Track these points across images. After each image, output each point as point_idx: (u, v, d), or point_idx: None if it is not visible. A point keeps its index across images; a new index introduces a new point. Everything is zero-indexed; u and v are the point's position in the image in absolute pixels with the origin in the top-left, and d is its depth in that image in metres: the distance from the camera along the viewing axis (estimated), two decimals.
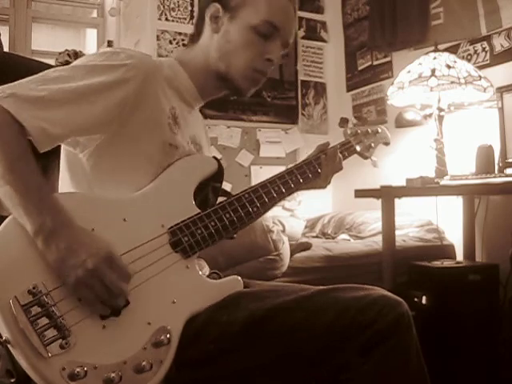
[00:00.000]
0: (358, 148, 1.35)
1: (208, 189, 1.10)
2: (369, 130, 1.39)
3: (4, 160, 0.87)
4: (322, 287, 1.03)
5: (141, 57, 1.05)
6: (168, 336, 0.92)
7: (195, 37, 1.17)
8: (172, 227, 0.99)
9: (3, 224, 0.89)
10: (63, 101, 0.95)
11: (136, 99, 1.00)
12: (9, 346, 0.82)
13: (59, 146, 1.06)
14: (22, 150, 0.90)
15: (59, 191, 1.09)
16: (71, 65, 1.01)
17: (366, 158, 1.39)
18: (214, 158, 1.12)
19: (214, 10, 1.12)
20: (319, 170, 1.22)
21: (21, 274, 0.85)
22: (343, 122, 1.39)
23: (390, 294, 1.00)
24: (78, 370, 0.83)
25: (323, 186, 1.26)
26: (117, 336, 0.89)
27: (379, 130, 1.41)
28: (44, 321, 0.83)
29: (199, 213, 1.02)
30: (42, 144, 0.94)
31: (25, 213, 0.86)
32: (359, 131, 1.37)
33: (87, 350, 0.86)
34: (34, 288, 0.84)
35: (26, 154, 0.90)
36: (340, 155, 1.27)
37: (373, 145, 1.38)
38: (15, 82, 0.94)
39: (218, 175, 1.11)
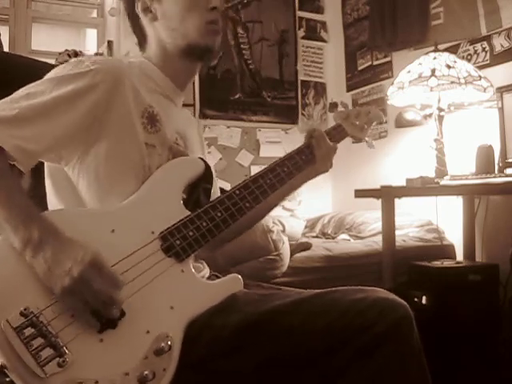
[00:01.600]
0: (349, 130, 1.33)
1: (199, 191, 1.09)
2: (360, 111, 1.37)
3: None
4: (319, 290, 1.02)
5: (107, 61, 1.06)
6: (169, 343, 0.90)
7: (142, 38, 1.18)
8: (162, 232, 0.98)
9: None
10: (35, 116, 0.95)
11: (107, 103, 1.00)
12: (6, 371, 0.81)
13: (40, 165, 1.06)
14: (2, 167, 0.90)
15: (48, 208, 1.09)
16: (40, 80, 1.01)
17: (359, 139, 1.37)
18: (200, 158, 1.11)
19: (141, 3, 1.13)
20: (314, 154, 1.21)
21: (11, 296, 0.84)
22: (332, 106, 1.38)
23: (391, 295, 0.98)
24: None
25: (325, 170, 1.26)
26: (116, 348, 0.88)
27: (370, 111, 1.39)
28: (39, 341, 0.82)
29: (189, 215, 1.01)
30: (23, 162, 0.95)
31: (11, 228, 0.86)
32: (350, 114, 1.35)
33: (86, 365, 0.84)
34: (25, 309, 0.83)
35: (5, 171, 0.91)
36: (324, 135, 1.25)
37: (366, 126, 1.36)
38: None
39: (207, 176, 1.10)
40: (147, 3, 1.13)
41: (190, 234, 0.99)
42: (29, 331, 0.82)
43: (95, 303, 0.86)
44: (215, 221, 1.02)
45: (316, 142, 1.23)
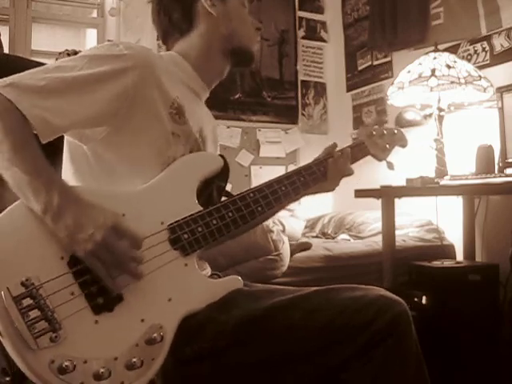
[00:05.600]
0: (371, 150, 1.32)
1: (212, 187, 1.09)
2: (384, 131, 1.36)
3: (10, 143, 0.87)
4: (319, 287, 1.02)
5: (140, 48, 1.06)
6: (161, 334, 0.91)
7: (187, 27, 1.17)
8: (172, 224, 0.98)
9: (5, 211, 0.88)
10: (63, 90, 0.94)
11: (136, 89, 1.00)
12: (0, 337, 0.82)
13: (60, 142, 1.06)
14: (27, 134, 0.90)
15: None
16: (72, 56, 1.02)
17: (380, 159, 1.35)
18: (221, 156, 1.12)
19: None
20: (325, 173, 1.21)
21: (15, 265, 0.85)
22: (358, 123, 1.37)
23: (388, 293, 1.00)
24: (66, 363, 0.83)
25: (331, 189, 1.25)
26: (109, 331, 0.88)
27: (396, 132, 1.38)
28: (35, 313, 0.83)
29: (200, 211, 1.01)
30: (44, 134, 0.93)
31: (33, 192, 0.86)
32: (374, 132, 1.34)
33: (78, 344, 0.85)
34: (26, 280, 0.84)
35: (30, 138, 0.90)
36: (350, 157, 1.25)
37: (388, 146, 1.35)
38: (16, 74, 0.94)
39: (224, 174, 1.10)
40: None
41: (199, 229, 1.00)
42: (27, 302, 0.83)
43: (118, 263, 0.88)
44: (225, 220, 1.03)
45: (333, 161, 1.22)
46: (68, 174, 1.07)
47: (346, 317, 0.95)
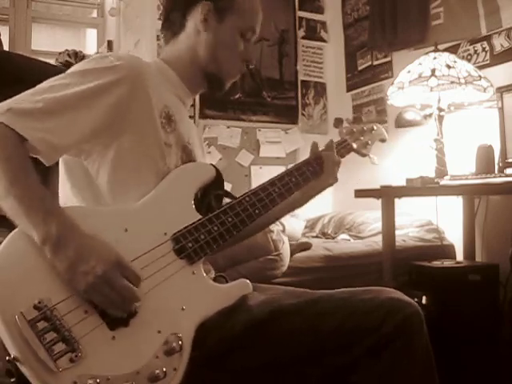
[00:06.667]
0: (354, 146, 1.35)
1: (210, 197, 1.10)
2: (364, 127, 1.40)
3: (7, 172, 0.87)
4: (328, 291, 1.03)
5: (130, 58, 1.06)
6: (180, 343, 0.91)
7: (178, 29, 1.17)
8: (175, 234, 0.99)
9: (8, 237, 0.88)
10: (61, 110, 0.95)
11: (130, 99, 1.00)
12: (18, 363, 0.81)
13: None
14: (23, 161, 0.90)
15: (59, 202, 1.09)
16: (63, 74, 1.01)
17: (363, 155, 1.39)
18: (212, 165, 1.13)
19: (206, 9, 1.13)
20: (323, 166, 1.22)
21: (26, 288, 0.85)
22: (338, 122, 1.40)
23: (400, 294, 1.00)
24: (90, 382, 0.83)
25: (331, 183, 1.26)
26: (127, 346, 0.88)
27: (375, 128, 1.42)
28: (52, 335, 0.82)
29: (201, 219, 1.02)
30: (47, 155, 0.94)
31: (30, 223, 0.86)
32: (354, 129, 1.38)
33: (98, 361, 0.85)
34: (39, 302, 0.83)
35: (27, 165, 0.90)
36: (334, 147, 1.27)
37: (369, 142, 1.39)
38: (10, 99, 0.93)
39: (218, 182, 1.12)
40: (208, 13, 1.13)
41: (202, 237, 1.00)
42: (42, 324, 0.82)
43: (117, 300, 0.87)
44: (226, 225, 1.03)
45: (327, 154, 1.24)
46: (65, 188, 1.07)
47: (356, 320, 0.95)
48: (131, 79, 1.01)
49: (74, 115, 0.96)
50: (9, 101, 0.93)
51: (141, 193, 1.02)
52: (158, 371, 0.87)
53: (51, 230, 0.86)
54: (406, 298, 1.00)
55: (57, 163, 1.08)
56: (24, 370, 0.82)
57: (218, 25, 1.14)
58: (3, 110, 0.90)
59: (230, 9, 1.14)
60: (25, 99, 0.93)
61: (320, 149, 1.27)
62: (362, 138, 1.38)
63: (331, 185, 1.26)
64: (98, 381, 0.83)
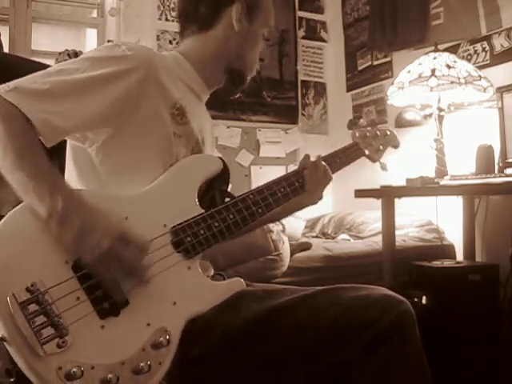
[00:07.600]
0: (366, 152, 1.35)
1: (214, 191, 1.09)
2: (377, 132, 1.38)
3: (14, 147, 0.87)
4: (324, 287, 1.03)
5: (142, 49, 1.06)
6: (167, 337, 0.91)
7: (207, 25, 1.16)
8: (174, 227, 0.98)
9: (8, 215, 0.88)
10: (66, 93, 0.95)
11: (139, 90, 1.00)
12: (5, 343, 0.82)
13: (63, 145, 1.06)
14: (31, 138, 0.90)
15: None
16: (74, 59, 1.02)
17: (374, 161, 1.38)
18: (220, 158, 1.12)
19: (240, 8, 1.15)
20: (304, 186, 1.18)
21: (20, 270, 0.85)
22: (352, 123, 1.40)
23: (391, 292, 1.01)
24: (74, 369, 0.82)
25: (314, 202, 1.24)
26: (115, 336, 0.88)
27: (388, 133, 1.41)
28: (41, 319, 0.82)
29: (202, 213, 1.02)
30: (48, 137, 0.93)
31: (37, 196, 0.86)
32: (368, 134, 1.36)
33: (85, 349, 0.85)
34: (32, 285, 0.83)
35: (35, 142, 0.90)
36: (325, 166, 1.22)
37: (381, 147, 1.38)
38: (20, 78, 0.94)
39: (224, 177, 1.11)
40: (242, 13, 1.15)
41: (201, 232, 1.00)
42: (33, 308, 0.82)
43: (123, 273, 0.88)
44: (227, 222, 1.03)
45: (310, 172, 1.19)
46: (72, 175, 1.07)
47: (351, 316, 0.96)
48: (142, 70, 1.01)
49: (79, 100, 0.95)
50: (17, 80, 0.93)
51: (145, 183, 1.01)
52: (142, 364, 0.87)
53: (58, 203, 0.86)
54: (398, 295, 1.01)
55: (64, 149, 1.08)
56: (11, 350, 0.82)
57: (248, 24, 1.17)
58: (9, 88, 0.91)
59: (258, 9, 1.18)
60: (33, 80, 0.94)
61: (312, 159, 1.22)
62: (373, 142, 1.36)
63: (314, 203, 1.25)
64: (82, 369, 0.83)
